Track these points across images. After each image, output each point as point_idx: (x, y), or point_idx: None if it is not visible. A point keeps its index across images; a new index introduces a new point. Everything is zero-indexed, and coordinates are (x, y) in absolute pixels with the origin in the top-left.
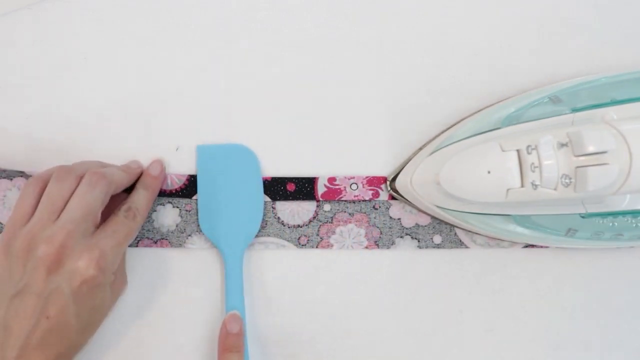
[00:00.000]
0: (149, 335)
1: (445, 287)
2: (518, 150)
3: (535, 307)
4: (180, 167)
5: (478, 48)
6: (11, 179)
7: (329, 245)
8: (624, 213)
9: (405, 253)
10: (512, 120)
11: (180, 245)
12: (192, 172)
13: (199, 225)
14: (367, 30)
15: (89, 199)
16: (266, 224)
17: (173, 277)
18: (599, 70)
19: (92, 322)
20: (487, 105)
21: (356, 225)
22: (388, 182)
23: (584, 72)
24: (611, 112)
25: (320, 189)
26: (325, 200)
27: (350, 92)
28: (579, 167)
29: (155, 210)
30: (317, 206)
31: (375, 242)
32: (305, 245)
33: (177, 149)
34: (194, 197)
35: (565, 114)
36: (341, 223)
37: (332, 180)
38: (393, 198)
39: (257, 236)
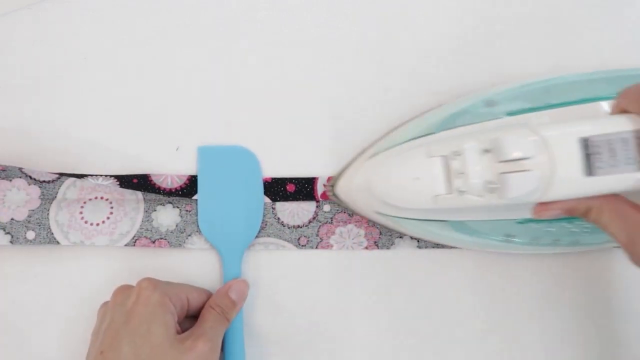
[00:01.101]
0: None
1: (445, 287)
2: (444, 157)
3: (536, 307)
4: (180, 167)
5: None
6: (10, 180)
7: (329, 246)
8: (559, 219)
9: (404, 253)
10: (447, 124)
11: (179, 245)
12: (193, 172)
13: (198, 226)
14: (366, 30)
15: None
16: (266, 225)
17: (173, 277)
18: (536, 74)
19: None
20: (429, 110)
21: (356, 225)
22: (329, 187)
23: (522, 76)
24: (545, 115)
25: (320, 190)
26: (325, 201)
27: (348, 91)
28: (502, 173)
29: (155, 210)
30: (317, 207)
31: (375, 242)
32: (305, 246)
33: (177, 149)
34: (194, 197)
35: (499, 118)
36: (341, 223)
37: (331, 180)
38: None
39: (257, 237)
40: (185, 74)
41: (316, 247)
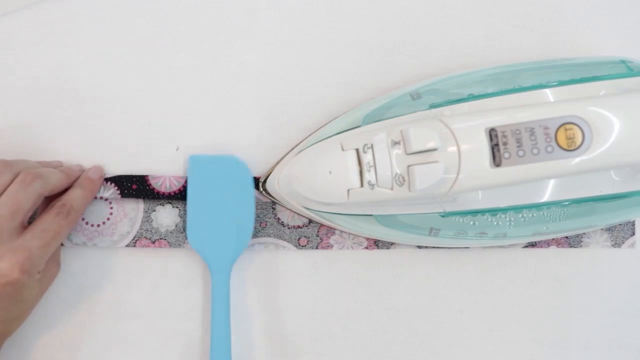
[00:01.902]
0: (148, 335)
1: (445, 287)
2: (357, 150)
3: (536, 307)
4: (180, 168)
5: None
6: None
7: (329, 246)
8: (482, 211)
9: (404, 253)
10: (373, 117)
11: (179, 246)
12: None
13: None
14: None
15: (20, 197)
16: (266, 225)
17: (172, 277)
18: (465, 67)
19: (19, 315)
20: (359, 104)
21: None
22: (260, 183)
23: (448, 70)
24: (465, 107)
25: None
26: None
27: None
28: (410, 165)
29: (154, 211)
30: None
31: (375, 242)
32: (305, 246)
33: (177, 149)
34: None
35: (422, 110)
36: None
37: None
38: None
39: (256, 237)
40: (185, 73)
41: (316, 247)
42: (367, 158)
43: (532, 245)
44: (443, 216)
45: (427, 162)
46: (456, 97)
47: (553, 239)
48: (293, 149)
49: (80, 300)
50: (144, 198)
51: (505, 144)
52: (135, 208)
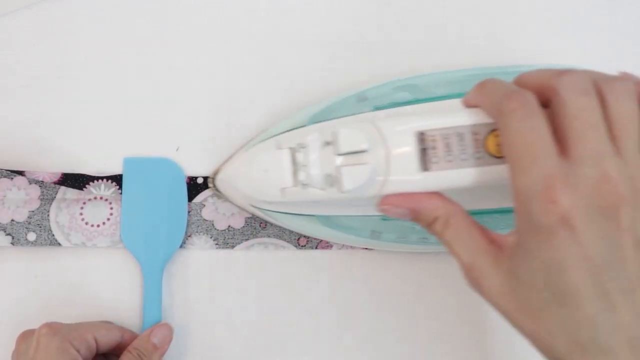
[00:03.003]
0: None
1: (445, 287)
2: (292, 149)
3: None
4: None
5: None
6: (11, 179)
7: (329, 246)
8: None
9: (404, 253)
10: (318, 118)
11: (179, 246)
12: (193, 174)
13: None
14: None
15: None
16: (266, 225)
17: (173, 277)
18: (412, 71)
19: None
20: (307, 105)
21: None
22: (210, 179)
23: (401, 73)
24: (406, 110)
25: None
26: None
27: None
28: (339, 166)
29: None
30: None
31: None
32: (304, 246)
33: (177, 149)
34: (194, 200)
35: (365, 112)
36: None
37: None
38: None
39: (256, 237)
40: (186, 73)
41: (316, 247)
42: (300, 157)
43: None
44: (384, 219)
45: (356, 163)
46: (401, 100)
47: None
48: (242, 147)
49: (80, 300)
50: None
51: (433, 148)
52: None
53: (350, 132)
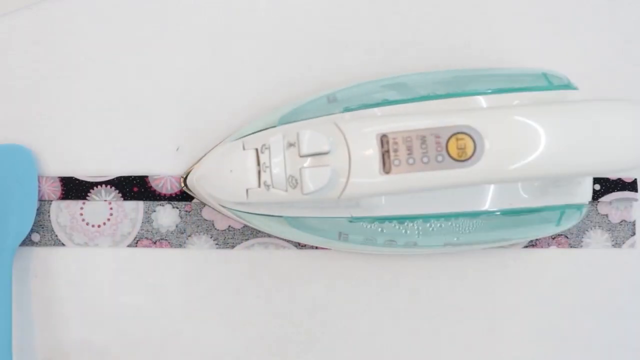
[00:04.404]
0: (148, 335)
1: (445, 287)
2: (256, 149)
3: (536, 307)
4: (180, 168)
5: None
6: None
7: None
8: (388, 219)
9: (404, 254)
10: (288, 119)
11: (180, 246)
12: None
13: (198, 227)
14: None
15: None
16: None
17: (173, 277)
18: (384, 73)
19: None
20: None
21: None
22: (182, 179)
23: (374, 74)
24: (377, 112)
25: None
26: None
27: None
28: (301, 168)
29: (154, 211)
30: None
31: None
32: (305, 246)
33: (177, 149)
34: (195, 200)
35: (335, 113)
36: None
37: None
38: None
39: (256, 237)
40: (186, 73)
41: (316, 247)
42: (264, 158)
43: (533, 245)
44: (351, 221)
45: (318, 165)
46: (371, 102)
47: (553, 239)
48: (214, 147)
49: (81, 300)
50: (144, 200)
51: (395, 150)
52: (135, 209)
53: (312, 133)
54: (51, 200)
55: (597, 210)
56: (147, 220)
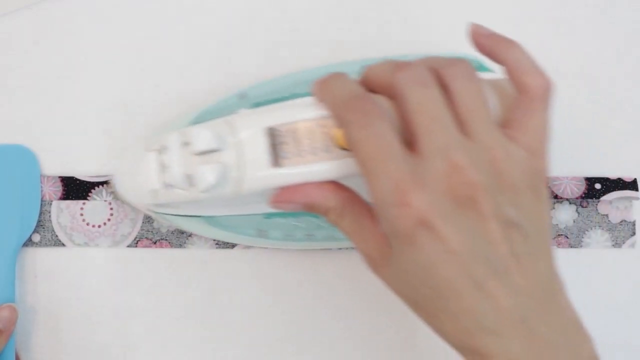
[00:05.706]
0: (148, 335)
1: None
2: (158, 150)
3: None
4: None
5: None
6: None
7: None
8: (303, 213)
9: None
10: (202, 118)
11: (180, 246)
12: None
13: None
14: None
15: None
16: None
17: (173, 277)
18: (299, 66)
19: None
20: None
21: None
22: (109, 181)
23: (288, 69)
24: (273, 105)
25: None
26: None
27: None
28: (195, 166)
29: None
30: None
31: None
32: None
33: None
34: None
35: (242, 109)
36: None
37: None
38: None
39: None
40: (186, 73)
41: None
42: (164, 159)
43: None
44: (267, 217)
45: (209, 162)
46: (279, 97)
47: (553, 238)
48: (124, 152)
49: (81, 301)
50: None
51: (284, 143)
52: (135, 209)
53: (202, 131)
54: (52, 201)
55: (597, 210)
56: (147, 220)
